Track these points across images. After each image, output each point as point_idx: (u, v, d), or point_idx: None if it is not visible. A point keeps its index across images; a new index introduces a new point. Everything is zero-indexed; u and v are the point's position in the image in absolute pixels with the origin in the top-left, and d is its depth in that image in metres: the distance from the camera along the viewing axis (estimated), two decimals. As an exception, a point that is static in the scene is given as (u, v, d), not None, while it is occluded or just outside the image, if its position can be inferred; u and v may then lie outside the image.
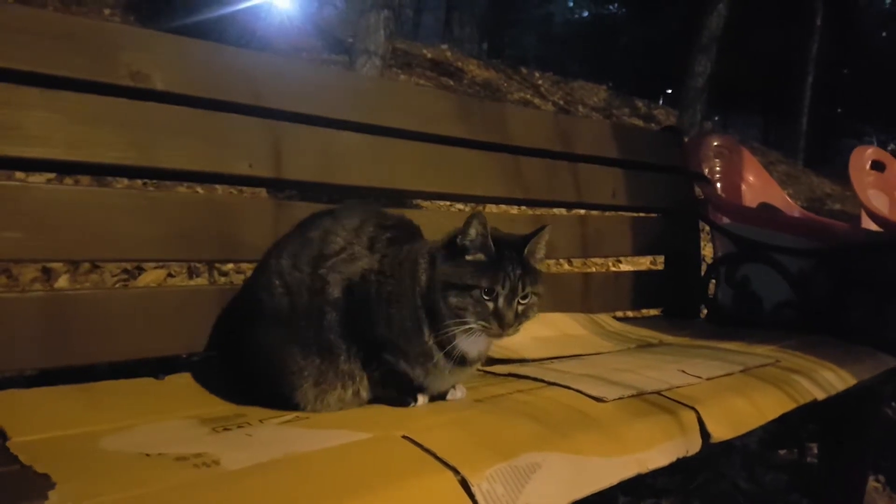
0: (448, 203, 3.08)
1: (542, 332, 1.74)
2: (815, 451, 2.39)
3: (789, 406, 1.41)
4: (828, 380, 1.57)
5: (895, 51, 18.66)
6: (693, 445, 1.15)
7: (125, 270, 2.42)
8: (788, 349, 1.74)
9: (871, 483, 2.28)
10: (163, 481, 0.77)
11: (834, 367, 1.63)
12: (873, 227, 2.71)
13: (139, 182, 2.53)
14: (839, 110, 20.36)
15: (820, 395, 1.50)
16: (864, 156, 3.13)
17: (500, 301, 1.06)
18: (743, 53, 14.57)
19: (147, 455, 0.85)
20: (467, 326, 1.05)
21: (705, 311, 2.42)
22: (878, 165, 3.16)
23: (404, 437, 0.94)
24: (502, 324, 1.05)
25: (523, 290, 1.07)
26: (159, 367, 1.31)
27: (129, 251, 1.31)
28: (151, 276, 2.42)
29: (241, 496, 0.76)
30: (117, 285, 2.36)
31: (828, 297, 2.10)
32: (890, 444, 2.47)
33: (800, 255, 2.15)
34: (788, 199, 2.99)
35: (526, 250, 1.10)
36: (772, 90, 17.04)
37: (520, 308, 1.08)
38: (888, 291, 2.05)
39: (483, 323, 1.05)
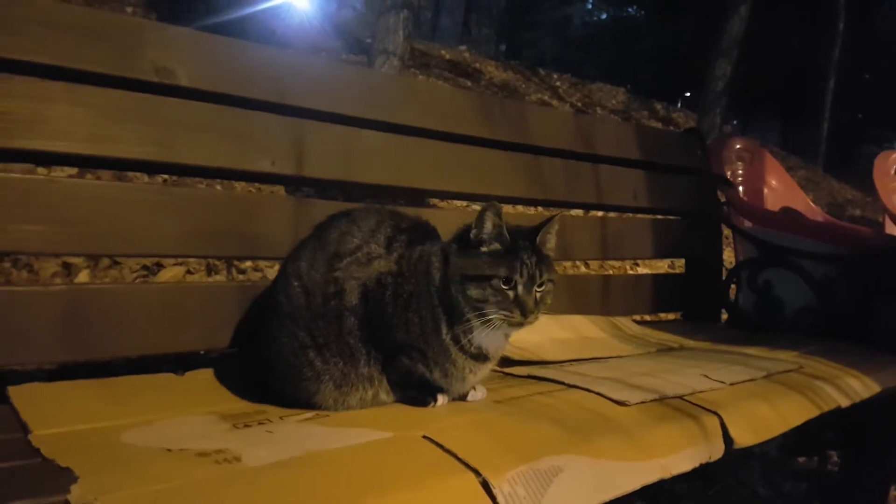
0: (465, 203, 3.07)
1: (561, 334, 1.73)
2: (836, 459, 2.36)
3: (813, 413, 1.39)
4: (852, 387, 1.54)
5: (918, 56, 18.45)
6: (716, 451, 1.14)
7: (144, 266, 2.44)
8: (812, 355, 1.72)
9: (893, 493, 2.24)
10: (184, 477, 0.76)
11: (858, 373, 1.60)
12: (897, 232, 2.68)
13: (159, 178, 2.55)
14: (860, 115, 20.18)
15: (844, 403, 1.47)
16: (889, 161, 3.10)
17: (520, 289, 1.06)
18: (763, 57, 14.48)
19: (169, 450, 0.85)
20: (488, 318, 1.05)
21: (725, 316, 2.39)
22: (902, 170, 3.12)
23: (425, 437, 0.93)
24: (524, 311, 1.06)
25: (540, 277, 1.08)
26: (177, 364, 1.31)
27: (150, 247, 1.32)
28: (171, 273, 2.43)
29: (263, 493, 0.75)
30: (137, 281, 2.37)
31: (852, 303, 2.07)
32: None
33: (824, 260, 2.12)
34: (811, 203, 2.96)
35: (538, 239, 1.11)
36: (792, 95, 16.92)
37: (538, 295, 1.09)
38: (913, 298, 2.02)
39: (505, 312, 1.05)
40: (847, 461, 2.18)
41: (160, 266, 2.46)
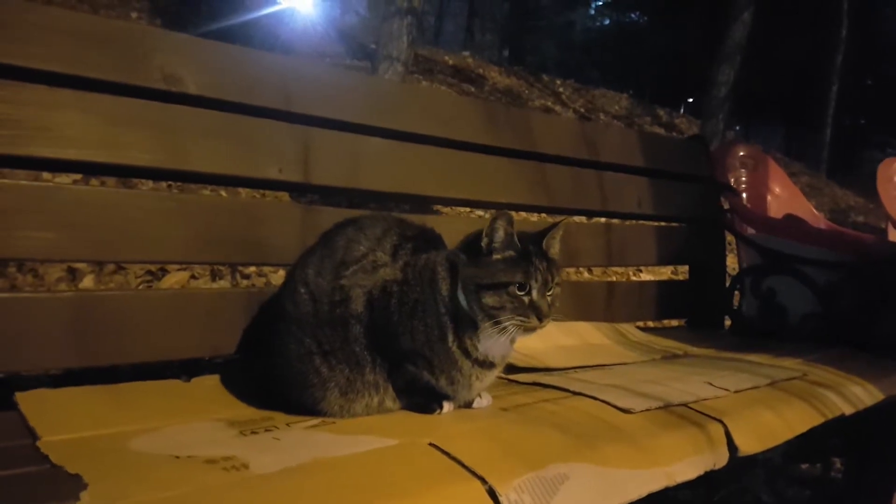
0: (469, 209, 3.08)
1: (565, 341, 1.73)
2: (839, 465, 2.36)
3: (817, 420, 1.39)
4: (856, 394, 1.54)
5: (921, 62, 18.44)
6: (721, 459, 1.14)
7: (149, 272, 2.44)
8: (815, 362, 1.72)
9: (897, 500, 2.24)
10: (193, 484, 0.77)
11: (862, 381, 1.60)
12: (901, 240, 2.68)
13: (164, 184, 2.56)
14: (863, 121, 20.17)
15: (848, 410, 1.47)
16: (892, 168, 3.09)
17: (535, 294, 1.07)
18: (766, 63, 14.47)
19: (177, 457, 0.85)
20: (503, 326, 1.06)
21: (729, 322, 2.39)
22: (905, 177, 3.11)
23: (431, 444, 0.93)
24: (540, 315, 1.07)
25: (552, 280, 1.10)
26: (182, 370, 1.31)
27: (155, 252, 1.32)
28: (175, 278, 2.43)
29: (270, 501, 0.75)
30: (141, 286, 2.38)
31: (855, 310, 2.07)
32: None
33: (827, 267, 2.12)
34: (814, 210, 2.96)
35: (544, 244, 1.12)
36: (795, 100, 16.91)
37: (549, 299, 1.09)
38: (917, 306, 2.02)
39: (521, 318, 1.06)
40: (851, 468, 2.18)
41: (165, 271, 2.46)
